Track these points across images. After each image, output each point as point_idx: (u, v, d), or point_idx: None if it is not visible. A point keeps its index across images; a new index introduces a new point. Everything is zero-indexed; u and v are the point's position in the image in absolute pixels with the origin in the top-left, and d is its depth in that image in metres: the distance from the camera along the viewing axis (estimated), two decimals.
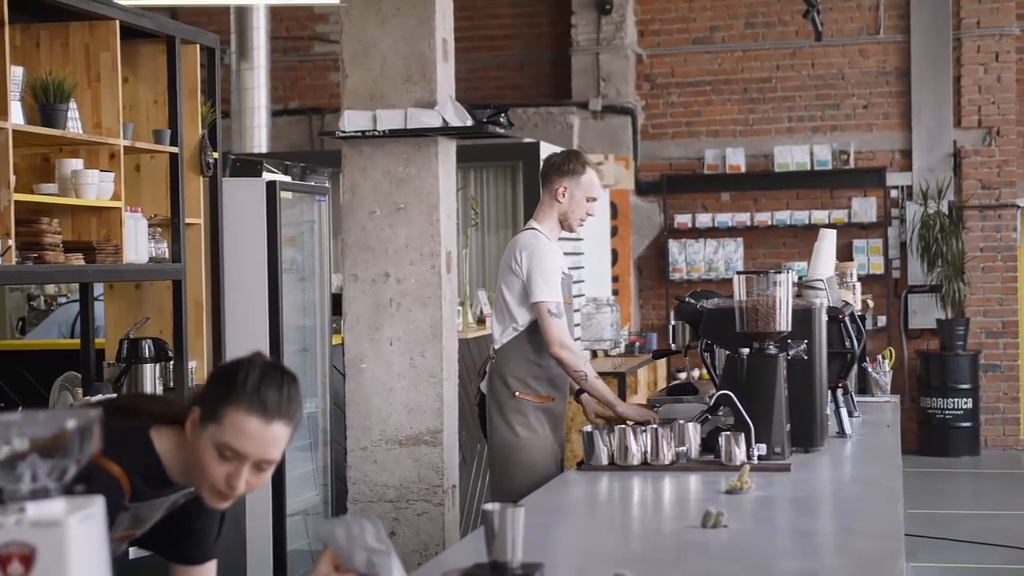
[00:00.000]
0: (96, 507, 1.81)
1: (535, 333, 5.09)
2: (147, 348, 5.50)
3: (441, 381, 5.63)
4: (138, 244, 5.35)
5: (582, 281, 10.33)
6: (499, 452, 5.17)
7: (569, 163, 5.23)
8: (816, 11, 10.13)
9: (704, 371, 5.60)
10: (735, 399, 4.32)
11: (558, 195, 5.20)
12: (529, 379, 5.13)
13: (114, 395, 5.15)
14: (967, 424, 12.23)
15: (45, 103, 4.86)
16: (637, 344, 10.75)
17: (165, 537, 2.86)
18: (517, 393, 5.12)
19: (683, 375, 10.34)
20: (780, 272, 4.45)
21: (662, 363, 10.98)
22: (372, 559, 2.42)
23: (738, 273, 4.50)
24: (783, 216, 12.75)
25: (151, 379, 5.49)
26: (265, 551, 6.23)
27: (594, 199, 5.26)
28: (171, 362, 5.62)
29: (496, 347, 5.22)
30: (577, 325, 9.65)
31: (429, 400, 5.62)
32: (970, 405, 12.22)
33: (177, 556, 2.91)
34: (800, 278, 5.41)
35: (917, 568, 7.86)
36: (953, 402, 12.19)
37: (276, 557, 6.26)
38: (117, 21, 5.23)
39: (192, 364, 5.80)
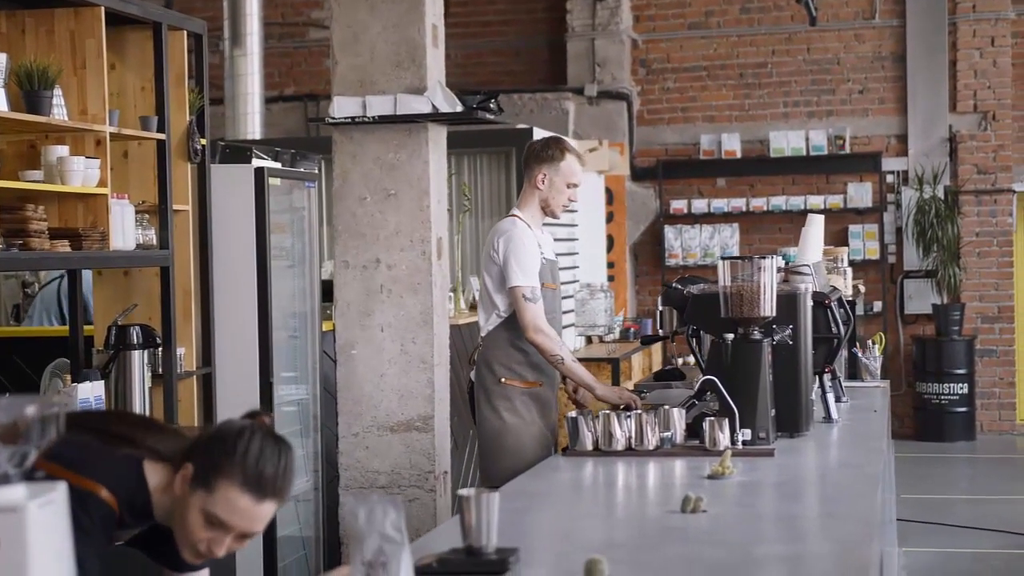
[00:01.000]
0: (57, 493, 1.81)
1: (517, 319, 5.12)
2: (135, 335, 5.49)
3: (432, 367, 5.63)
4: (125, 231, 5.35)
5: (576, 267, 10.33)
6: (487, 438, 5.19)
7: (548, 150, 5.25)
8: None
9: None
10: (719, 384, 4.33)
11: (537, 182, 5.23)
12: (514, 365, 5.16)
13: (104, 409, 5.11)
14: (963, 409, 12.24)
15: (29, 90, 4.85)
16: (632, 330, 10.75)
17: (160, 543, 2.84)
18: (503, 379, 5.16)
19: (679, 361, 10.34)
20: (765, 258, 4.45)
21: (657, 349, 10.99)
22: (383, 547, 2.41)
23: (723, 258, 4.50)
24: (779, 201, 12.74)
25: (139, 366, 5.48)
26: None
27: (575, 185, 5.27)
28: (159, 348, 5.62)
29: (482, 335, 5.25)
30: (570, 311, 9.66)
31: (420, 386, 5.62)
32: (966, 390, 12.23)
33: (171, 563, 2.87)
34: (787, 263, 5.40)
35: (910, 552, 7.86)
36: (949, 387, 12.20)
37: (266, 544, 6.26)
38: (102, 7, 5.22)
39: (180, 351, 5.80)
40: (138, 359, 5.50)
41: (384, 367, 5.62)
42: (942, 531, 8.59)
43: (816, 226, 5.65)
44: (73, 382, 5.36)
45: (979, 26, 12.55)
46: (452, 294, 7.87)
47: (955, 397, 12.21)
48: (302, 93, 13.42)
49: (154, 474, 2.66)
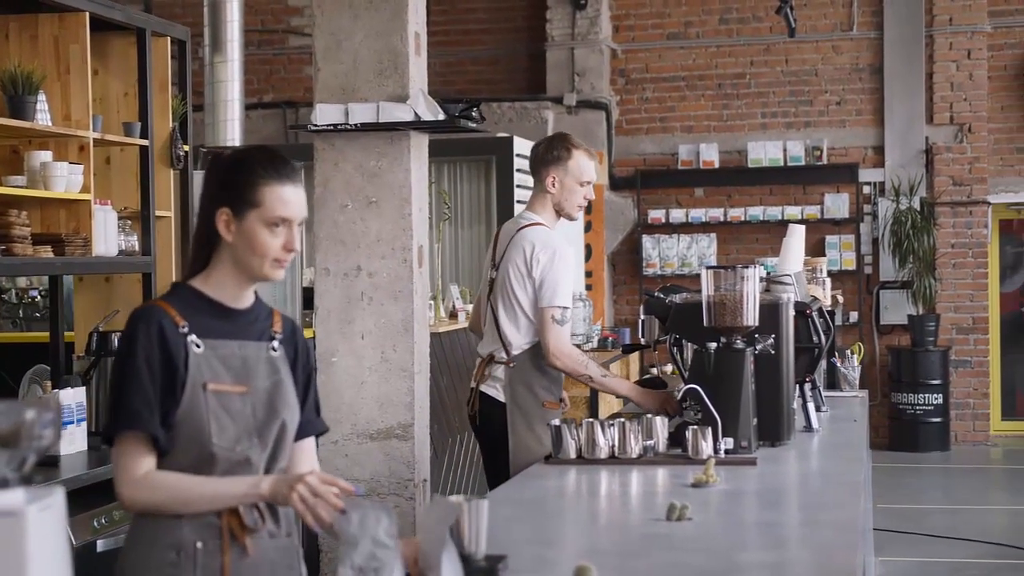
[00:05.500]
0: (55, 498, 1.82)
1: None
2: (116, 341, 5.48)
3: (412, 375, 5.63)
4: (107, 237, 5.34)
5: None
6: (527, 462, 4.93)
7: (554, 150, 5.06)
8: (789, 7, 10.17)
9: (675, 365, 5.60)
10: (702, 393, 4.34)
11: (548, 185, 5.07)
12: (553, 387, 5.03)
13: None
14: (937, 419, 12.30)
15: (13, 95, 4.85)
16: (610, 339, 10.76)
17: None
18: (545, 403, 4.99)
19: (655, 370, 10.35)
20: (748, 267, 4.47)
21: (634, 358, 11.01)
22: (376, 553, 2.41)
23: (706, 268, 4.51)
24: (756, 212, 12.80)
25: None
26: None
27: (588, 183, 5.09)
28: None
29: (514, 352, 5.00)
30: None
31: (400, 394, 5.61)
32: (940, 400, 12.30)
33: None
34: (768, 273, 5.43)
35: (885, 562, 7.91)
36: (923, 397, 12.27)
37: None
38: (87, 13, 5.22)
39: None
40: None
41: (365, 375, 5.62)
42: (918, 540, 8.63)
43: (797, 236, 5.68)
44: (54, 388, 5.34)
45: (956, 39, 12.64)
46: (432, 302, 7.88)
47: (930, 407, 12.28)
48: (281, 100, 13.42)
49: (197, 281, 2.94)
